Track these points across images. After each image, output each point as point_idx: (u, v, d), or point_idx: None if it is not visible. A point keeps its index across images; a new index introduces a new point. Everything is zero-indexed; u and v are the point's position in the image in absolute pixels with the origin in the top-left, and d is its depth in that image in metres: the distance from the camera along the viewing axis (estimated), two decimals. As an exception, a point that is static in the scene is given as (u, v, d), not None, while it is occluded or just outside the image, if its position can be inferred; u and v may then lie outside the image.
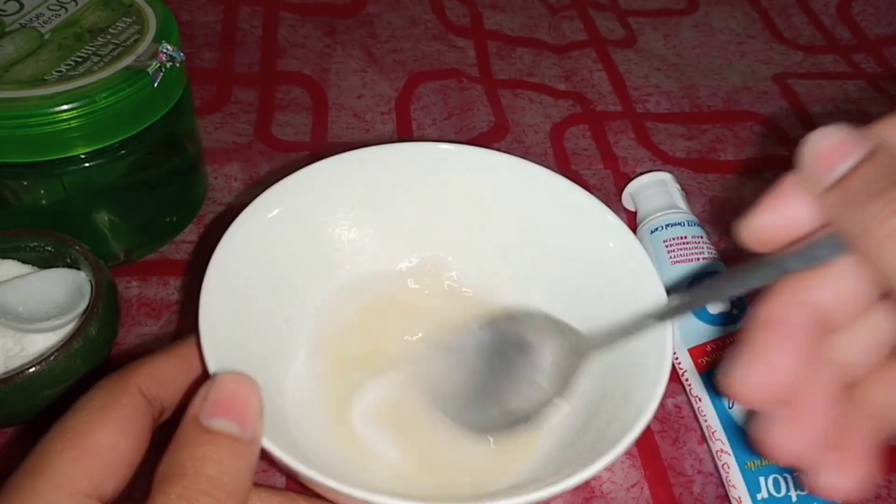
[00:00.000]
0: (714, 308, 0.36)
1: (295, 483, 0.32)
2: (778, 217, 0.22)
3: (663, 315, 0.28)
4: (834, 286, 0.21)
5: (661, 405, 0.27)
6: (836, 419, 0.22)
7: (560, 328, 0.31)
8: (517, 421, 0.30)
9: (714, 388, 0.34)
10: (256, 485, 0.28)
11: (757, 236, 0.22)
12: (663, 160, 0.49)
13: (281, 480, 0.32)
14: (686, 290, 0.26)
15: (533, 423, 0.29)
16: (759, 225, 0.22)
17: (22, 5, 0.37)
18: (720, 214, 0.46)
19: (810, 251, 0.22)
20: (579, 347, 0.30)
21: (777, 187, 0.22)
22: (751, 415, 0.23)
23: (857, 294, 0.21)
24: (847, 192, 0.20)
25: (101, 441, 0.22)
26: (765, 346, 0.22)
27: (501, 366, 0.31)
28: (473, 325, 0.32)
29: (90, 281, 0.33)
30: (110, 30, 0.36)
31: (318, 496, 0.26)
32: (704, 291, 0.25)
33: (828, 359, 0.22)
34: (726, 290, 0.25)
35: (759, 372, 0.21)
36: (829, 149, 0.20)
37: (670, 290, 0.30)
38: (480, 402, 0.31)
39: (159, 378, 0.25)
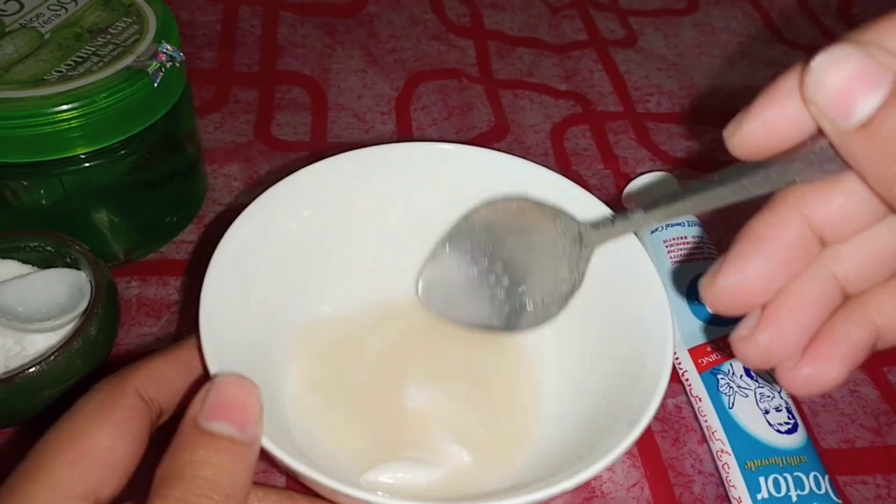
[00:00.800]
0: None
1: (295, 483, 0.32)
2: (772, 122, 0.20)
3: (649, 211, 0.26)
4: (836, 201, 0.20)
5: (662, 405, 0.27)
6: (822, 323, 0.22)
7: (561, 216, 0.30)
8: (538, 314, 0.29)
9: (714, 388, 0.34)
10: (255, 483, 0.28)
11: (748, 142, 0.21)
12: (664, 160, 0.49)
13: (281, 480, 0.32)
14: (677, 195, 0.25)
15: (554, 314, 0.29)
16: (751, 130, 0.21)
17: (22, 5, 0.37)
18: (720, 214, 0.46)
19: (816, 159, 0.20)
20: (584, 239, 0.29)
21: (770, 91, 0.20)
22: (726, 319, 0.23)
23: (861, 210, 0.20)
24: (880, 140, 0.17)
25: (97, 444, 0.22)
26: (745, 256, 0.21)
27: (511, 255, 0.31)
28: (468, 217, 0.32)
29: (90, 281, 0.33)
30: (110, 30, 0.36)
31: (317, 496, 0.26)
32: (697, 195, 0.24)
33: (822, 268, 0.22)
34: (722, 197, 0.23)
35: (736, 281, 0.21)
36: (844, 84, 0.18)
37: (671, 289, 0.30)
38: (498, 298, 0.30)
39: (157, 380, 0.25)
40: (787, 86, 0.20)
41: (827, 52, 0.18)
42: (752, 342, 0.22)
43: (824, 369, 0.22)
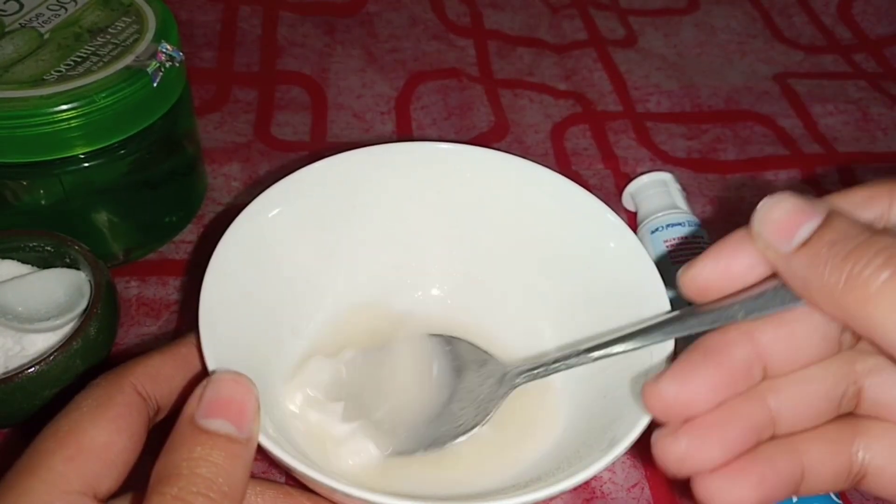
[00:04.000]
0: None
1: (294, 482, 0.32)
2: (723, 268, 0.23)
3: (589, 352, 0.28)
4: (785, 328, 0.22)
5: (662, 405, 0.27)
6: (746, 448, 0.22)
7: (483, 359, 0.32)
8: (437, 442, 0.30)
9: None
10: (253, 478, 0.28)
11: (699, 285, 0.23)
12: (664, 160, 0.49)
13: (281, 481, 0.32)
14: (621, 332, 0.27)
15: (449, 445, 0.30)
16: (703, 275, 0.23)
17: (21, 5, 0.37)
18: (720, 214, 0.46)
19: (761, 300, 0.22)
20: (504, 378, 0.31)
21: (724, 241, 0.23)
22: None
23: (806, 342, 0.22)
24: (816, 254, 0.20)
25: (95, 439, 0.22)
26: (691, 367, 0.22)
27: (434, 387, 0.32)
28: (406, 342, 0.33)
29: (89, 281, 0.33)
30: (109, 29, 0.36)
31: (316, 494, 0.26)
32: (642, 333, 0.26)
33: (759, 395, 0.23)
34: (669, 332, 0.26)
35: (677, 390, 0.22)
36: (785, 216, 0.21)
37: (671, 290, 0.30)
38: (415, 422, 0.31)
39: (155, 376, 0.25)
40: (738, 236, 0.23)
41: (770, 197, 0.22)
42: (672, 444, 0.22)
43: (737, 486, 0.22)
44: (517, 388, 0.31)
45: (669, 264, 0.38)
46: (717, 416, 0.22)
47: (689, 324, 0.24)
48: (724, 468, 0.22)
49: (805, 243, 0.21)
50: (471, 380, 0.32)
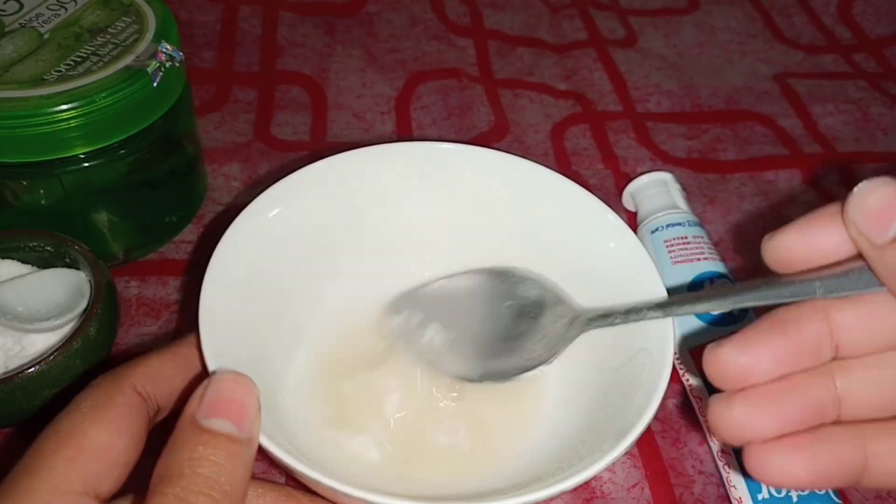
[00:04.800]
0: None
1: (294, 483, 0.32)
2: (809, 241, 0.22)
3: (666, 308, 0.28)
4: (863, 308, 0.21)
5: (662, 405, 0.27)
6: (805, 426, 0.22)
7: (559, 297, 0.32)
8: (502, 375, 0.31)
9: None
10: (255, 479, 0.28)
11: (781, 255, 0.22)
12: (664, 160, 0.49)
13: (281, 481, 0.32)
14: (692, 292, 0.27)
15: (515, 379, 0.30)
16: (788, 244, 0.22)
17: (21, 5, 0.37)
18: (720, 214, 0.46)
19: (843, 279, 0.21)
20: (575, 321, 0.30)
21: (814, 214, 0.22)
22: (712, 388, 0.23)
23: (883, 324, 0.21)
24: None
25: (95, 440, 0.22)
26: (757, 336, 0.22)
27: (497, 321, 0.32)
28: (471, 275, 0.34)
29: (89, 281, 0.33)
30: (109, 29, 0.36)
31: (316, 495, 0.26)
32: (716, 295, 0.26)
33: (827, 373, 0.22)
34: (743, 299, 0.25)
35: (738, 356, 0.22)
36: (881, 205, 0.20)
37: (671, 291, 0.30)
38: (475, 355, 0.31)
39: (155, 377, 0.25)
40: (829, 211, 0.22)
41: (867, 182, 0.21)
42: (726, 410, 0.22)
43: (789, 461, 0.21)
44: (516, 388, 0.31)
45: (669, 264, 0.38)
46: (777, 388, 0.21)
47: (764, 293, 0.23)
48: (778, 441, 0.21)
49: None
50: (546, 317, 0.32)
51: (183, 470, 0.21)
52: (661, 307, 0.28)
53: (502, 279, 0.33)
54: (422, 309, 0.33)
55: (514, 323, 0.32)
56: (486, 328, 0.32)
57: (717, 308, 0.26)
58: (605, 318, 0.29)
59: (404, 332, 0.33)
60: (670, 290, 0.30)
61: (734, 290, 0.25)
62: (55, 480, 0.21)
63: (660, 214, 0.41)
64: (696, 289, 0.37)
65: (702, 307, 0.27)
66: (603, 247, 0.33)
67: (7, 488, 0.21)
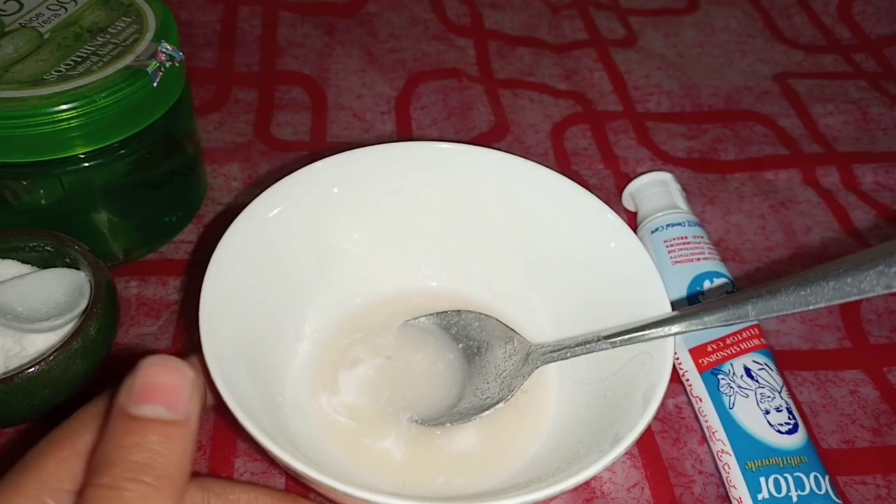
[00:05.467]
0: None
1: (295, 483, 0.32)
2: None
3: (612, 339, 0.29)
4: None
5: (662, 405, 0.27)
6: None
7: (510, 334, 0.33)
8: (463, 417, 0.31)
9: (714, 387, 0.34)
10: (249, 483, 0.27)
11: None
12: (664, 160, 0.49)
13: (281, 481, 0.32)
14: (687, 307, 0.28)
15: (472, 419, 0.31)
16: None
17: (21, 5, 0.37)
18: (721, 214, 0.46)
19: (773, 301, 0.21)
20: (529, 356, 0.32)
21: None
22: None
23: None
24: None
25: (88, 444, 0.23)
26: None
27: (452, 365, 0.33)
28: (428, 320, 0.34)
29: (89, 281, 0.33)
30: (109, 29, 0.36)
31: (317, 495, 0.26)
32: (657, 323, 0.27)
33: None
34: (686, 325, 0.27)
35: None
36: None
37: (671, 291, 0.30)
38: (435, 402, 0.32)
39: None
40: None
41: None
42: None
43: None
44: (517, 388, 0.31)
45: (669, 264, 0.38)
46: None
47: (702, 320, 0.24)
48: None
49: None
50: (496, 355, 0.33)
51: (113, 459, 0.21)
52: (608, 339, 0.29)
53: (454, 322, 0.34)
54: (380, 361, 0.34)
55: (469, 365, 0.33)
56: (441, 375, 0.33)
57: (660, 335, 0.28)
58: (558, 351, 0.31)
59: (366, 384, 0.33)
60: (670, 290, 0.30)
61: (676, 317, 0.26)
62: (45, 478, 0.22)
63: (660, 214, 0.41)
64: (695, 288, 0.37)
65: (641, 335, 0.28)
66: (603, 247, 0.33)
67: (1, 485, 0.22)
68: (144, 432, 0.21)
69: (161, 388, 0.22)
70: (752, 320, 0.26)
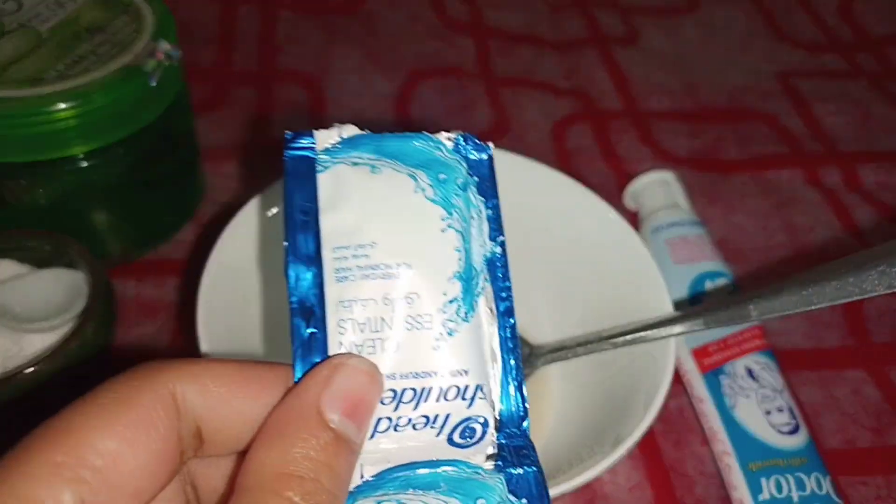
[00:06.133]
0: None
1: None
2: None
3: (613, 339, 0.29)
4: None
5: (664, 406, 0.27)
6: None
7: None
8: None
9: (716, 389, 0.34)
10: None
11: None
12: (665, 159, 0.49)
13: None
14: (689, 309, 0.28)
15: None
16: None
17: (20, 4, 0.37)
18: (722, 214, 0.46)
19: (775, 301, 0.21)
20: (529, 357, 0.31)
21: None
22: None
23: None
24: None
25: (97, 446, 0.16)
26: None
27: None
28: None
29: (87, 281, 0.33)
30: (108, 29, 0.36)
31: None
32: (662, 324, 0.27)
33: None
34: (688, 325, 0.26)
35: None
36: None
37: (673, 290, 0.30)
38: None
39: (208, 392, 0.17)
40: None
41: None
42: None
43: None
44: None
45: (671, 264, 0.38)
46: None
47: (704, 320, 0.24)
48: None
49: None
50: None
51: (305, 472, 0.16)
52: (609, 339, 0.29)
53: None
54: None
55: None
56: None
57: (658, 336, 0.27)
58: (559, 352, 0.30)
59: None
60: (672, 289, 0.30)
61: (677, 318, 0.26)
62: (27, 494, 0.15)
63: (661, 214, 0.41)
64: (697, 287, 0.37)
65: (644, 336, 0.28)
66: (604, 246, 0.33)
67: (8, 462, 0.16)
68: (338, 453, 0.17)
69: (361, 403, 0.17)
70: (754, 321, 0.25)
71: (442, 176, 0.18)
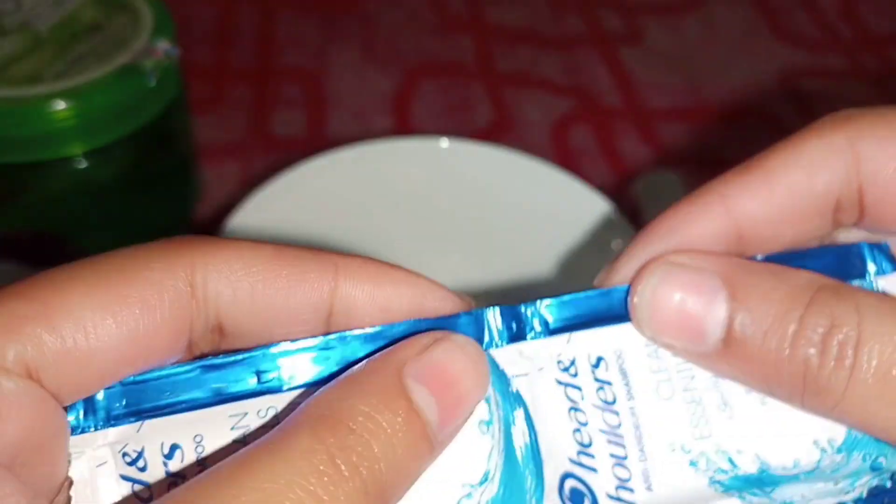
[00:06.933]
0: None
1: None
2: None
3: None
4: (761, 200, 0.17)
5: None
6: None
7: None
8: None
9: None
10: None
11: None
12: (667, 158, 0.49)
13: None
14: None
15: None
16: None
17: (19, 4, 0.37)
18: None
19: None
20: None
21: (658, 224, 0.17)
22: None
23: (783, 216, 0.17)
24: (751, 354, 0.15)
25: (73, 310, 0.14)
26: (646, 247, 0.17)
27: None
28: None
29: (86, 281, 0.33)
30: (106, 28, 0.36)
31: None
32: None
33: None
34: None
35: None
36: (679, 306, 0.15)
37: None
38: None
39: (237, 280, 0.15)
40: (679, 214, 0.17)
41: (644, 278, 0.16)
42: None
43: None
44: None
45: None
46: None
47: None
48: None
49: (727, 339, 0.15)
50: None
51: (357, 426, 0.13)
52: None
53: None
54: None
55: None
56: None
57: None
58: None
59: None
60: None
61: None
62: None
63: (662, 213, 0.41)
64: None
65: None
66: (605, 245, 0.33)
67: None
68: (408, 429, 0.14)
69: (453, 384, 0.15)
70: None
71: None
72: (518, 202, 0.35)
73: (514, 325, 0.16)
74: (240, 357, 0.15)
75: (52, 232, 0.34)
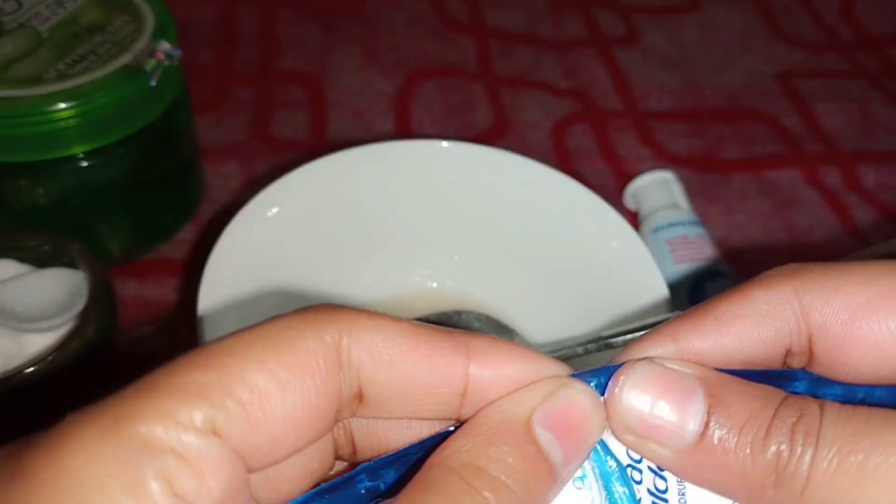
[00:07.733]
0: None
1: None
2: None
3: (601, 341, 0.29)
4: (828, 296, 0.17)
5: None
6: None
7: (510, 335, 0.33)
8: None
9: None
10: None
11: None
12: (665, 159, 0.49)
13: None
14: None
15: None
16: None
17: (20, 4, 0.37)
18: (722, 214, 0.46)
19: None
20: None
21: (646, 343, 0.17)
22: None
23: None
24: (726, 450, 0.15)
25: (247, 378, 0.14)
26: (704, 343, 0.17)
27: None
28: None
29: (87, 281, 0.33)
30: (108, 28, 0.36)
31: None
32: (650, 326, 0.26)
33: None
34: None
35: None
36: (652, 404, 0.16)
37: (673, 290, 0.30)
38: None
39: (376, 349, 0.16)
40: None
41: (624, 379, 0.16)
42: None
43: None
44: None
45: (671, 263, 0.38)
46: None
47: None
48: None
49: (702, 435, 0.15)
50: None
51: (498, 474, 0.15)
52: (609, 339, 0.29)
53: (454, 322, 0.34)
54: None
55: None
56: None
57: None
58: (558, 352, 0.30)
59: None
60: (672, 289, 0.30)
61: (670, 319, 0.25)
62: (169, 408, 0.14)
63: (661, 214, 0.41)
64: (698, 287, 0.37)
65: (639, 337, 0.27)
66: (604, 246, 0.33)
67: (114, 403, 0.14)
68: (538, 472, 0.15)
69: (577, 429, 0.16)
70: None
71: None
72: (518, 204, 0.35)
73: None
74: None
75: (53, 232, 0.34)
